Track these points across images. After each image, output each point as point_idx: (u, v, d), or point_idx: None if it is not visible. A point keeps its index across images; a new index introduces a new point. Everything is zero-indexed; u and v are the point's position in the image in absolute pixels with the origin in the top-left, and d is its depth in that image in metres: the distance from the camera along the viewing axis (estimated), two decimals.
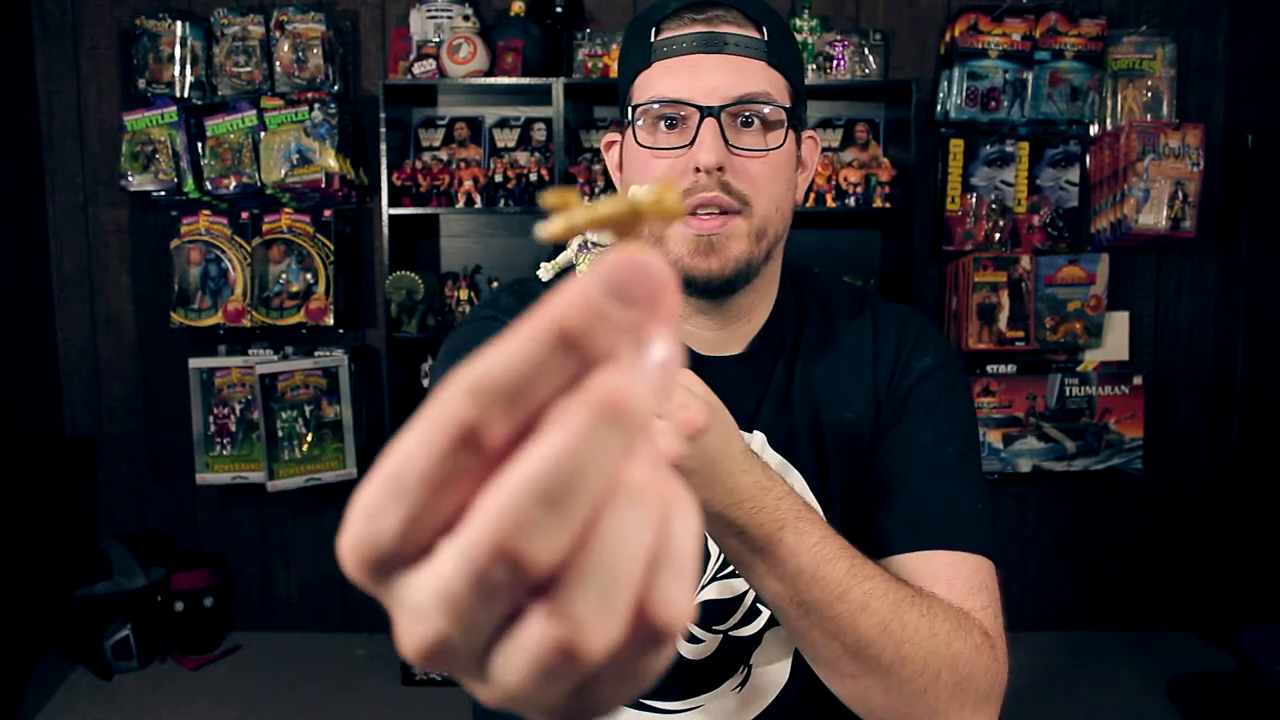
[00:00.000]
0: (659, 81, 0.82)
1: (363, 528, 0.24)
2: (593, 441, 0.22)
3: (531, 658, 0.23)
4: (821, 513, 0.73)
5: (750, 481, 0.66)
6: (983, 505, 0.84)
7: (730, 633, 0.87)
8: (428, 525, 0.24)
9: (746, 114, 0.82)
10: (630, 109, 0.85)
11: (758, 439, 0.88)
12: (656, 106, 0.82)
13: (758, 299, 0.90)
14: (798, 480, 0.88)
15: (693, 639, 0.87)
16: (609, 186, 2.86)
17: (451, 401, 0.23)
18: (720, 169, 0.80)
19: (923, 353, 0.90)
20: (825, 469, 0.88)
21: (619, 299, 0.24)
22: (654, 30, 0.84)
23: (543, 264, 0.78)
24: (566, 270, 0.78)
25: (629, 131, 0.86)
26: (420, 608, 0.23)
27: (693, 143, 0.80)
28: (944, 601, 0.75)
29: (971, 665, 0.73)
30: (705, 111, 0.80)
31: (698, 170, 0.80)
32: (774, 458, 0.88)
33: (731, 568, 0.86)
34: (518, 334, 0.23)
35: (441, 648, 0.24)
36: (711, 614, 0.87)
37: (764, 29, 0.82)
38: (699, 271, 0.82)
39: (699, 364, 0.88)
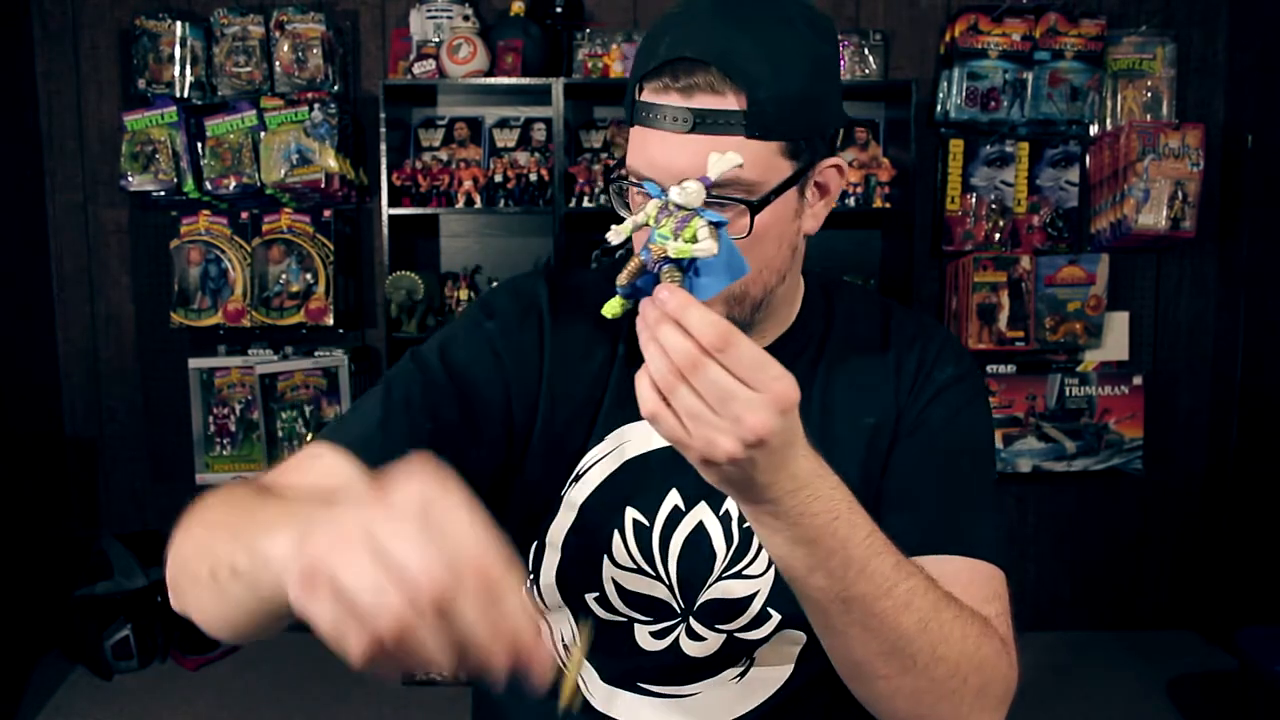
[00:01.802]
0: (635, 150, 0.79)
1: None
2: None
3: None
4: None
5: (809, 467, 0.64)
6: (995, 514, 0.85)
7: (736, 634, 0.87)
8: None
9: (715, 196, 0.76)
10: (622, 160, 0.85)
11: None
12: (629, 177, 0.80)
13: (770, 323, 0.89)
14: None
15: (698, 638, 0.87)
16: (609, 187, 2.86)
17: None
18: None
19: (945, 363, 0.90)
20: (844, 475, 0.88)
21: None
22: (638, 86, 0.79)
23: (613, 226, 0.73)
24: (640, 229, 0.73)
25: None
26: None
27: None
28: (969, 606, 0.74)
29: (994, 670, 0.73)
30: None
31: None
32: None
33: (740, 567, 0.86)
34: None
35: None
36: (717, 613, 0.86)
37: (748, 93, 0.74)
38: None
39: None
